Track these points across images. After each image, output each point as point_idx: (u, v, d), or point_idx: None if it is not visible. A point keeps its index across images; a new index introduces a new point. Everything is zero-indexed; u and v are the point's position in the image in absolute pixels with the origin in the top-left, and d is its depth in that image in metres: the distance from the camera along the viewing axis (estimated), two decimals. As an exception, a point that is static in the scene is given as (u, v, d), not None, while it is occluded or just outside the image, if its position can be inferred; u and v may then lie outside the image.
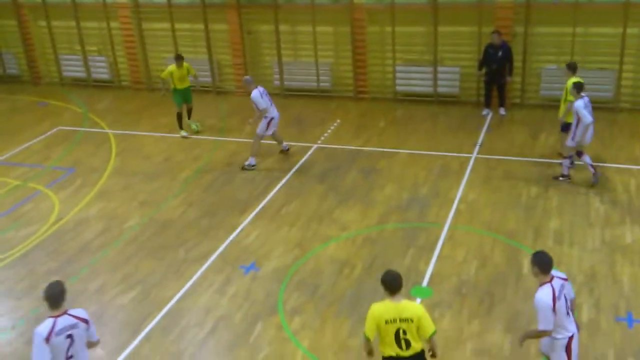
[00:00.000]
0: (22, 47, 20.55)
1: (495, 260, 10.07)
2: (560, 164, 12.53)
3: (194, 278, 10.10)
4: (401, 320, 6.48)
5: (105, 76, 19.91)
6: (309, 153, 14.38)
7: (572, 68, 12.48)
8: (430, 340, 6.61)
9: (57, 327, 6.39)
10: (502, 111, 16.00)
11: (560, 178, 12.37)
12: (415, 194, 12.26)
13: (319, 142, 14.91)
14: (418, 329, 6.51)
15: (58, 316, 6.44)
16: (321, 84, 17.87)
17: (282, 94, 17.96)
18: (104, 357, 8.08)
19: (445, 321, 8.79)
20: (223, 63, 18.76)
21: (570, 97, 12.02)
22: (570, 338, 6.81)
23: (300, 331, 8.87)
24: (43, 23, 20.02)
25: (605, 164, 12.88)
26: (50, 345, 6.33)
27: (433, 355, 6.80)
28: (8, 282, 10.35)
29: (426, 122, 15.87)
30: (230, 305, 9.44)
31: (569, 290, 6.87)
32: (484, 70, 15.71)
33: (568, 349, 6.84)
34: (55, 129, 16.77)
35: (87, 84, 20.11)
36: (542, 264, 6.70)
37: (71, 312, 6.56)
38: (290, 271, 10.17)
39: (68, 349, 6.48)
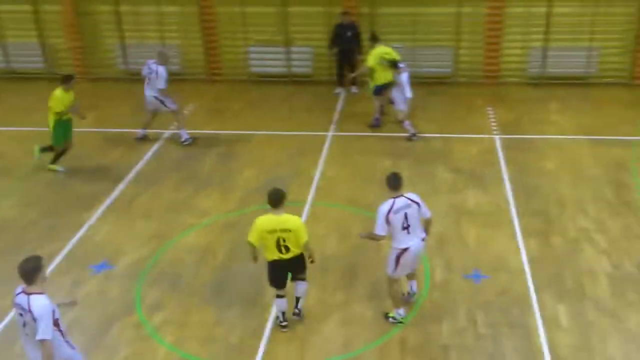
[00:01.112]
0: None
1: (354, 232, 10.03)
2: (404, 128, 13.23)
3: None
4: (281, 230, 7.53)
5: None
6: (162, 140, 13.65)
7: (373, 38, 13.66)
8: (305, 247, 7.68)
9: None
10: (353, 89, 16.07)
11: (414, 138, 13.16)
12: (275, 175, 11.95)
13: (173, 127, 14.18)
14: (296, 238, 7.55)
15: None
16: (171, 67, 16.99)
17: (128, 79, 16.93)
18: None
19: (310, 296, 8.63)
20: (57, 47, 17.36)
21: (372, 63, 13.34)
22: (403, 250, 7.86)
23: (163, 327, 8.32)
24: None
25: (449, 135, 13.42)
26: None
27: (312, 262, 7.94)
28: None
29: (282, 102, 15.61)
30: (81, 308, 8.56)
31: (415, 211, 7.82)
32: (334, 50, 15.65)
33: (397, 259, 7.94)
34: None
35: None
36: (389, 183, 7.90)
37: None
38: (148, 265, 9.55)
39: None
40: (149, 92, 13.21)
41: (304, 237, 7.63)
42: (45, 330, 6.06)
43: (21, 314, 6.24)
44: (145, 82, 13.23)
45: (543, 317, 8.19)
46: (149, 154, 13.05)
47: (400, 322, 8.17)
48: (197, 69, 17.15)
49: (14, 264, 9.63)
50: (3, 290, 8.74)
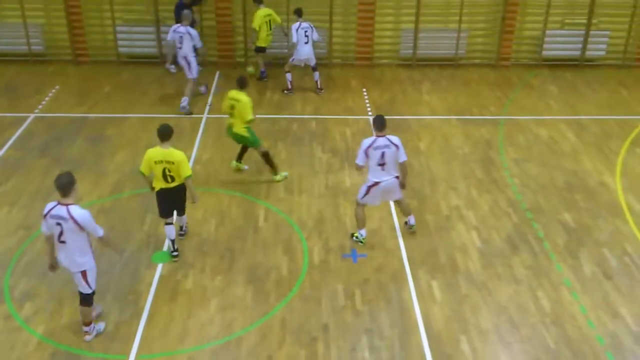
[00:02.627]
0: None
1: (232, 216, 10.07)
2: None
3: None
4: (166, 162, 8.50)
5: None
6: (26, 124, 12.90)
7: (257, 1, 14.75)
8: (186, 182, 8.61)
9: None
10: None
11: (286, 92, 14.51)
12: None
13: (37, 111, 13.44)
14: (178, 170, 8.50)
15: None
16: (33, 48, 16.09)
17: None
18: None
19: (189, 281, 8.61)
20: None
21: (256, 24, 14.53)
22: (375, 183, 9.02)
23: (34, 317, 8.01)
24: None
25: (325, 116, 13.57)
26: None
27: (193, 202, 8.87)
28: None
29: (153, 84, 15.12)
30: None
31: (393, 152, 8.84)
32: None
33: (368, 189, 9.10)
34: None
35: None
36: (375, 123, 8.96)
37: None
38: (15, 254, 9.09)
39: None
40: (179, 56, 13.42)
41: (187, 172, 8.56)
42: (97, 228, 7.19)
43: (59, 224, 7.06)
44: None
45: (417, 292, 8.52)
46: (13, 138, 12.30)
47: (361, 242, 9.37)
48: (62, 49, 16.29)
49: None
50: None
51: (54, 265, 7.51)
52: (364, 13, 16.16)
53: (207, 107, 13.80)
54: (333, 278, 8.79)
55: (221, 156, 11.80)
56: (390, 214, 10.13)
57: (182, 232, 9.51)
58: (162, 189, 8.73)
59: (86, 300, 7.50)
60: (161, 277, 8.75)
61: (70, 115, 13.34)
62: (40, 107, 13.63)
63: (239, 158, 11.23)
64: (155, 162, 8.53)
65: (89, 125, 12.93)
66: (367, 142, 8.85)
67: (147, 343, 7.64)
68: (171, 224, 8.98)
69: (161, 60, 16.12)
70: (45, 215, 7.13)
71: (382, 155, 8.82)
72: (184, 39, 13.22)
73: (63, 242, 7.18)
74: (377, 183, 9.00)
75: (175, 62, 13.99)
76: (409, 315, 8.12)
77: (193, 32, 13.32)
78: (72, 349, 7.56)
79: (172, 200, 8.84)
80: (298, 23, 14.24)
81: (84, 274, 7.32)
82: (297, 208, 10.30)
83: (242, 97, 10.41)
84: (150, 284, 8.59)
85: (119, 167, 11.37)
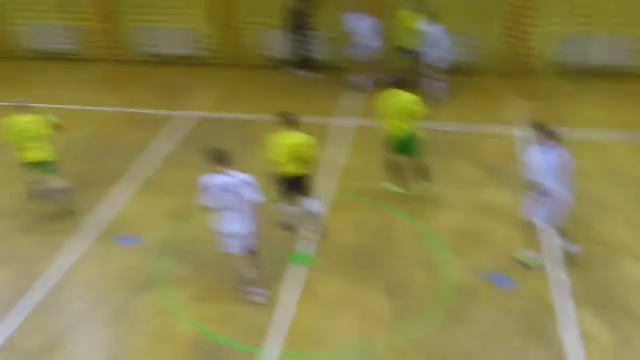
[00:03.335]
0: None
1: (374, 226, 9.89)
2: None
3: (69, 251, 9.38)
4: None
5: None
6: (190, 122, 13.43)
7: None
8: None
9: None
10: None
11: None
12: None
13: (201, 111, 13.92)
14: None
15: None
16: (195, 52, 16.47)
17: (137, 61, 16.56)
18: None
19: (327, 286, 8.61)
20: (88, 30, 16.56)
21: None
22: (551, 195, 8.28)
23: (189, 302, 8.41)
24: None
25: (470, 127, 12.79)
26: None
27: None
28: None
29: (313, 88, 15.02)
30: (110, 279, 8.84)
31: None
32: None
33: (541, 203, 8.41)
34: None
35: None
36: (541, 131, 8.17)
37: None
38: (174, 241, 9.57)
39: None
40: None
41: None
42: (260, 194, 7.75)
43: (227, 190, 7.58)
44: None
45: (579, 331, 7.82)
46: (180, 135, 12.88)
47: (532, 265, 8.77)
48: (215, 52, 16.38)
49: (45, 234, 9.34)
50: (31, 257, 9.15)
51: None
52: (517, 17, 14.89)
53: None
54: (481, 303, 8.31)
55: (366, 163, 11.45)
56: (551, 241, 9.34)
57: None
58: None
59: (256, 255, 8.15)
60: (300, 278, 8.79)
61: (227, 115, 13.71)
62: (198, 107, 14.09)
63: (401, 180, 10.59)
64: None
65: (245, 127, 13.06)
66: (534, 151, 8.23)
67: (286, 342, 7.74)
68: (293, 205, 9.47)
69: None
70: (212, 188, 7.60)
71: (557, 166, 8.06)
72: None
73: (234, 209, 7.68)
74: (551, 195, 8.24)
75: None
76: (565, 354, 7.49)
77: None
78: (217, 337, 7.84)
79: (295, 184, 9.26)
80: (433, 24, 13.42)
81: (252, 233, 7.90)
82: (444, 224, 9.86)
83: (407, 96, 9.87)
84: (289, 284, 8.67)
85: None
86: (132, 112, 13.92)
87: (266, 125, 9.43)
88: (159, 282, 8.76)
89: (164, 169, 11.58)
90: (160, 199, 10.61)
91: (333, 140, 12.40)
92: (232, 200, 7.67)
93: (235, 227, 7.85)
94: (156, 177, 11.30)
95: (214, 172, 7.65)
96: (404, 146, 10.13)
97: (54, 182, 10.13)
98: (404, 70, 13.33)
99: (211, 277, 8.78)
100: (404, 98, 9.87)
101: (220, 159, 7.63)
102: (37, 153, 9.72)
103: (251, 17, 15.92)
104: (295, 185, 9.13)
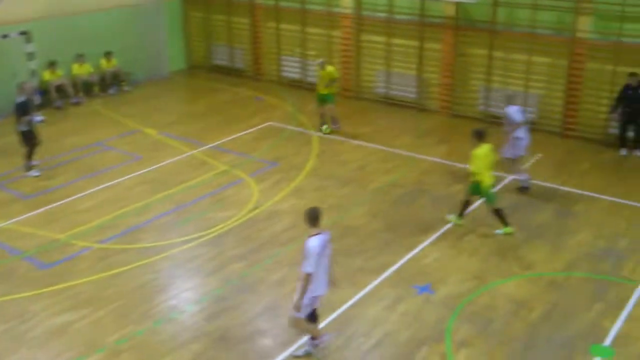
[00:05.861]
0: (251, 45, 22.07)
1: None
2: None
3: (367, 289, 10.30)
4: None
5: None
6: (503, 183, 14.02)
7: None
8: None
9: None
10: None
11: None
12: (613, 244, 11.54)
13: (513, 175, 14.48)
14: None
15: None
16: (528, 116, 17.21)
17: (486, 120, 17.62)
18: None
19: None
20: (430, 82, 18.84)
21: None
22: None
23: None
24: (272, 24, 21.35)
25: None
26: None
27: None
28: (200, 259, 11.20)
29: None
30: (398, 323, 9.50)
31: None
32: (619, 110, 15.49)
33: None
34: (266, 124, 17.86)
35: (301, 85, 21.10)
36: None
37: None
38: (464, 300, 10.03)
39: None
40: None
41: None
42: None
43: (325, 247, 8.19)
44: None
45: None
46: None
47: None
48: (552, 120, 17.13)
49: (352, 264, 10.98)
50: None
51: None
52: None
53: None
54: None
55: None
56: None
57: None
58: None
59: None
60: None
61: (544, 184, 14.03)
62: (524, 170, 14.57)
63: (461, 212, 12.16)
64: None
65: (560, 198, 13.41)
66: None
67: None
68: None
69: None
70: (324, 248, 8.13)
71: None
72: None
73: (326, 267, 8.28)
74: None
75: None
76: None
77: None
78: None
79: None
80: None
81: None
82: None
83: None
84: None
85: (578, 245, 11.56)
86: (451, 165, 14.94)
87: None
88: (445, 338, 9.14)
89: (472, 226, 12.20)
90: (463, 256, 11.26)
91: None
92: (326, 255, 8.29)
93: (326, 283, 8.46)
94: (462, 233, 12.00)
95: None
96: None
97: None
98: None
99: (493, 347, 8.94)
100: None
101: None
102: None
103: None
104: None
